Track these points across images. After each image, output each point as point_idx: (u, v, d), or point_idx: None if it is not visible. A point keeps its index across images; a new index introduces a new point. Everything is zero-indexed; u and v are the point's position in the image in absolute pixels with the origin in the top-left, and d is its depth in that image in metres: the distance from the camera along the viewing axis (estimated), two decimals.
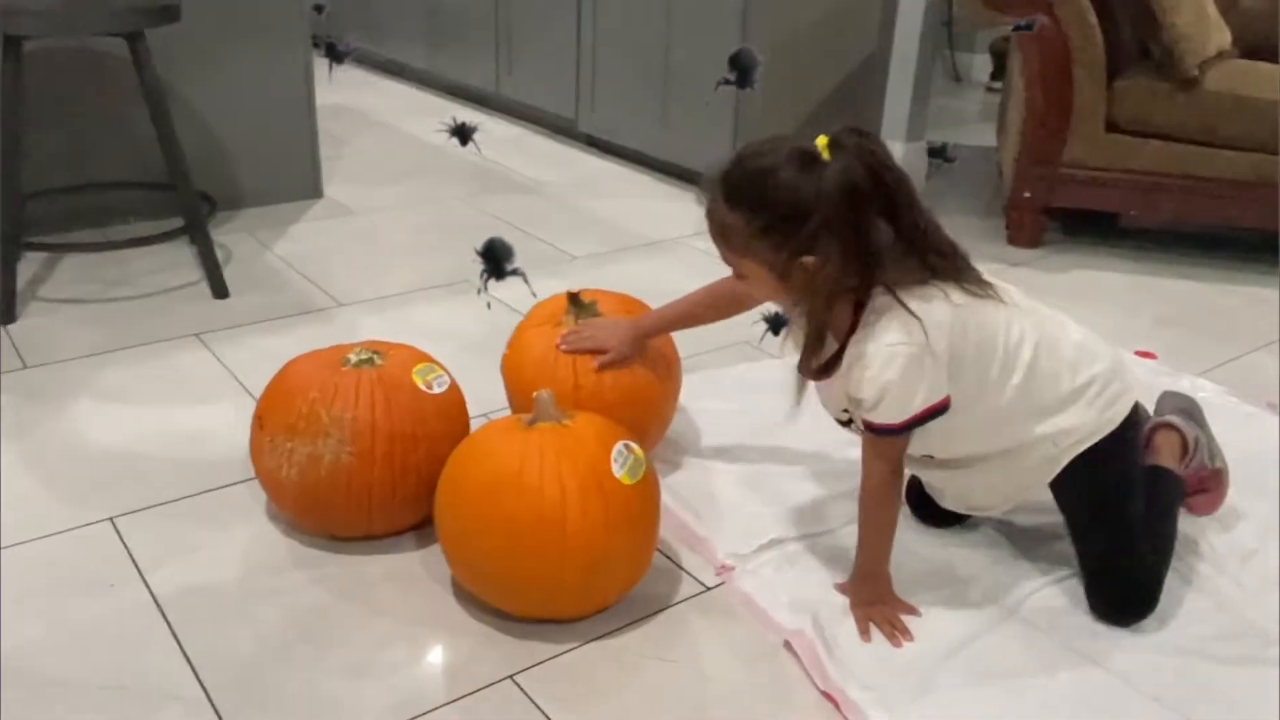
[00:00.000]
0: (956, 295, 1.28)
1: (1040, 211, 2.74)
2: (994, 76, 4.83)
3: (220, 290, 2.27)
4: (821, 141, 1.21)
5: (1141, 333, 2.30)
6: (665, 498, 1.54)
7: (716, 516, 1.60)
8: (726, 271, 1.40)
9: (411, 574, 1.44)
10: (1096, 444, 1.38)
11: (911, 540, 1.54)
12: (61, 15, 2.00)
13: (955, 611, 1.41)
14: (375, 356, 1.48)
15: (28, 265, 2.34)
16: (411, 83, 4.55)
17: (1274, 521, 1.63)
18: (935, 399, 1.27)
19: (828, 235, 1.20)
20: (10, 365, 1.93)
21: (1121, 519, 1.43)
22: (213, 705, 1.19)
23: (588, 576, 1.30)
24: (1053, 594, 1.46)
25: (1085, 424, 1.37)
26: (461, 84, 4.19)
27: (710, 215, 1.29)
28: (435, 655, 1.31)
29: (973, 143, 3.77)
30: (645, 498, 1.35)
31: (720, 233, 1.29)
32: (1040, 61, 2.57)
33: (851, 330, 1.28)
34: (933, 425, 1.30)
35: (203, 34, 2.59)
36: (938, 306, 1.26)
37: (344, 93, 4.17)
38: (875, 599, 1.40)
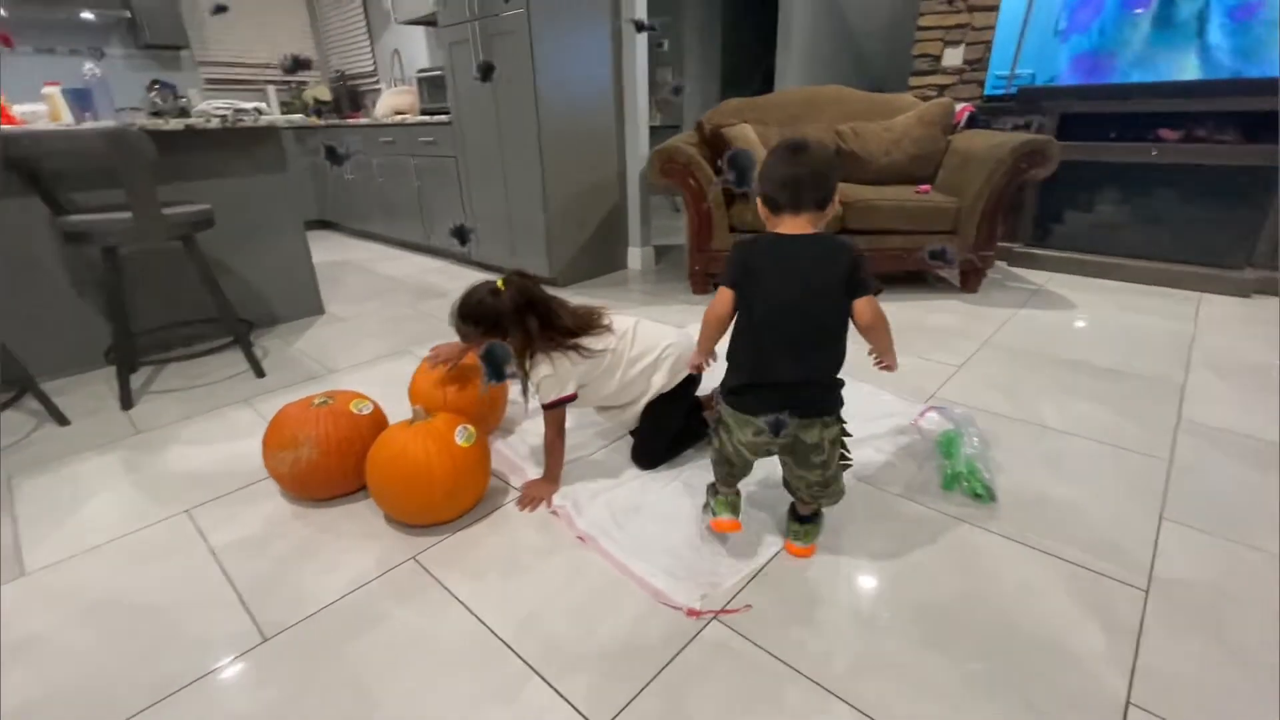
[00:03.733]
0: (572, 355, 1.35)
1: (703, 275, 2.80)
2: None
3: (259, 373, 2.20)
4: (499, 281, 1.28)
5: None
6: (501, 447, 1.58)
7: (525, 455, 1.61)
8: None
9: (358, 512, 1.43)
10: (665, 393, 1.44)
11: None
12: (137, 230, 1.90)
13: (605, 480, 1.44)
14: (328, 400, 1.47)
15: (143, 375, 2.22)
16: (373, 241, 4.43)
17: None
18: (565, 393, 1.35)
19: (512, 326, 1.28)
20: (128, 433, 1.84)
21: (659, 430, 1.47)
22: (243, 604, 1.19)
23: (448, 499, 1.33)
24: (668, 480, 1.51)
25: (661, 383, 1.43)
26: (400, 239, 4.11)
27: (459, 330, 1.35)
28: (371, 552, 1.31)
29: (678, 243, 3.94)
30: (478, 453, 1.37)
31: (464, 336, 1.35)
32: (695, 206, 2.70)
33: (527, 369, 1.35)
34: (579, 398, 1.36)
35: (236, 228, 2.50)
36: (559, 360, 1.34)
37: (336, 252, 4.04)
38: (540, 491, 1.42)
